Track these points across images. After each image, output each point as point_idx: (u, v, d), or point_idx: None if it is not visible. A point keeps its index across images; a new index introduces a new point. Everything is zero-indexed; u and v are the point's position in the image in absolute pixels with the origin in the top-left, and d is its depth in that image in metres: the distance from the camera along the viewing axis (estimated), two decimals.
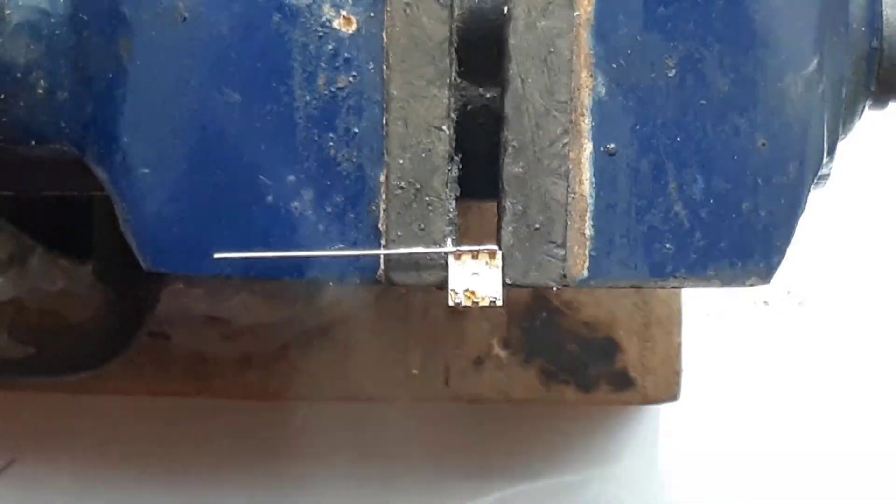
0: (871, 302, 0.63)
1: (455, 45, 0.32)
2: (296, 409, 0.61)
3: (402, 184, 0.32)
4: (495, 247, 0.33)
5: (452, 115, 0.32)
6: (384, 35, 0.32)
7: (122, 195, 0.33)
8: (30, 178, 0.38)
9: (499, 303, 0.33)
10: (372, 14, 0.32)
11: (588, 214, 0.33)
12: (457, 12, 0.32)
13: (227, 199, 0.33)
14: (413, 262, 0.33)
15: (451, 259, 0.32)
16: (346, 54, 0.32)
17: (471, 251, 0.33)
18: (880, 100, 0.37)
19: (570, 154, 0.33)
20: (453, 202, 0.33)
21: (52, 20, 0.33)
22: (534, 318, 0.56)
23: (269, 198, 0.33)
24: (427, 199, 0.32)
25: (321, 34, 0.32)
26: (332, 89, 0.32)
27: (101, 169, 0.33)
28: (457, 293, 0.33)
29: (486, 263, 0.33)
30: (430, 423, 0.62)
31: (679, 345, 0.56)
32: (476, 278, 0.33)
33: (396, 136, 0.32)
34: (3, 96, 0.33)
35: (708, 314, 0.63)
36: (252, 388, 0.56)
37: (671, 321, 0.56)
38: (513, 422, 0.62)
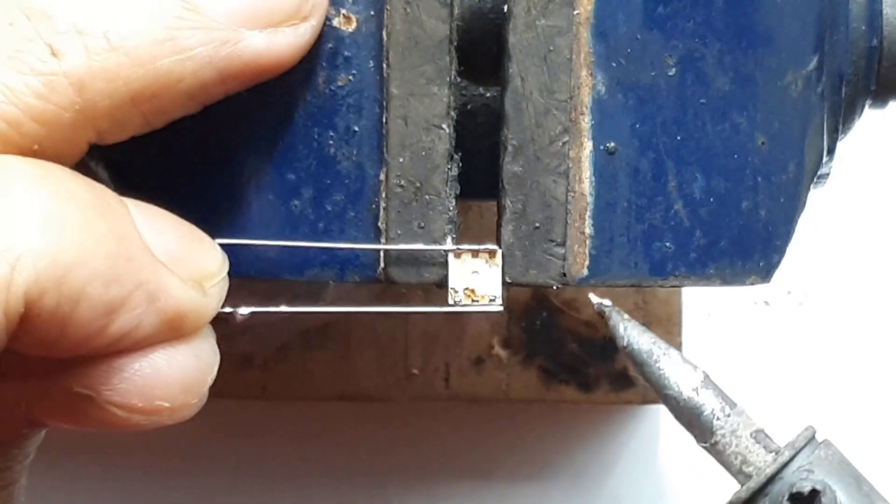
0: (872, 302, 0.63)
1: (455, 43, 0.32)
2: (296, 409, 0.61)
3: (402, 182, 0.32)
4: (495, 246, 0.33)
5: (452, 114, 0.32)
6: (384, 34, 0.32)
7: (121, 194, 0.33)
8: None
9: (499, 303, 0.33)
10: (372, 13, 0.32)
11: (588, 213, 0.33)
12: (457, 11, 0.32)
13: (227, 197, 0.33)
14: (412, 260, 0.33)
15: (450, 257, 0.32)
16: (345, 53, 0.32)
17: (471, 250, 0.33)
18: (880, 99, 0.37)
19: (570, 153, 0.33)
20: (453, 201, 0.33)
21: None
22: (534, 317, 0.56)
23: (269, 196, 0.33)
24: (427, 197, 0.32)
25: (321, 32, 0.32)
26: (332, 88, 0.32)
27: (101, 168, 0.33)
28: (456, 291, 0.33)
29: (486, 262, 0.33)
30: (430, 423, 0.62)
31: (679, 345, 0.56)
32: (476, 277, 0.33)
33: (396, 134, 0.32)
34: None
35: (708, 314, 0.63)
36: (252, 388, 0.56)
37: (671, 321, 0.56)
38: (513, 422, 0.62)
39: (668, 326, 0.56)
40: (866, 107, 0.37)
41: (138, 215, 0.29)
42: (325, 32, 0.32)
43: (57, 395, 0.30)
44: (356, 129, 0.32)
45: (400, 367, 0.56)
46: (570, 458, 0.62)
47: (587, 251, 0.33)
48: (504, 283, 0.33)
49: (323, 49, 0.32)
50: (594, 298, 0.32)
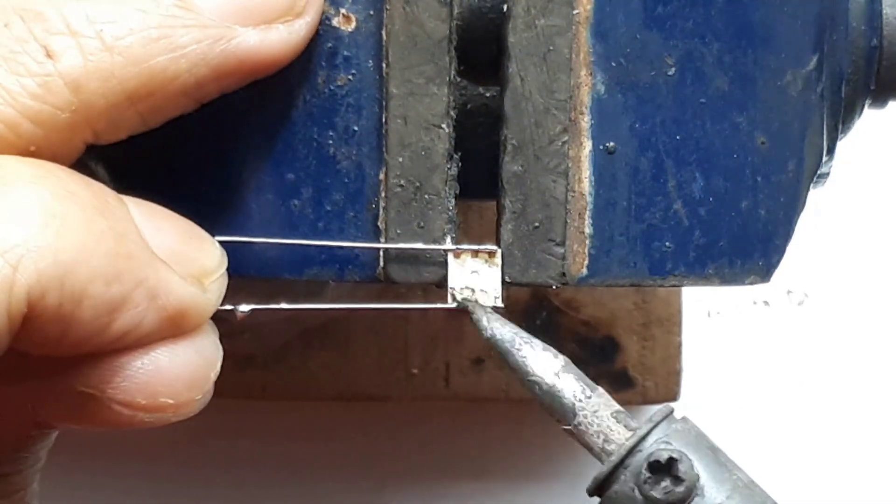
0: (872, 302, 0.63)
1: (454, 43, 0.32)
2: (296, 409, 0.61)
3: (402, 182, 0.32)
4: (495, 246, 0.33)
5: (452, 114, 0.32)
6: (383, 33, 0.32)
7: (120, 193, 0.33)
8: None
9: (499, 303, 0.33)
10: (371, 12, 0.32)
11: (587, 213, 0.33)
12: (456, 10, 0.32)
13: (227, 196, 0.33)
14: (412, 259, 0.33)
15: (450, 257, 0.32)
16: (345, 52, 0.32)
17: (470, 250, 0.33)
18: (880, 98, 0.37)
19: (570, 152, 0.33)
20: (453, 200, 0.33)
21: None
22: (534, 317, 0.56)
23: (269, 195, 0.33)
24: (426, 197, 0.32)
25: (320, 32, 0.32)
26: (332, 87, 0.32)
27: (100, 167, 0.33)
28: (455, 291, 0.33)
29: (486, 262, 0.33)
30: (430, 423, 0.62)
31: (679, 344, 0.56)
32: (475, 277, 0.33)
33: (396, 134, 0.32)
34: None
35: (708, 314, 0.63)
36: (252, 388, 0.56)
37: (671, 321, 0.56)
38: (513, 422, 0.62)
39: (668, 326, 0.56)
40: (866, 106, 0.37)
41: (137, 213, 0.29)
42: (325, 32, 0.32)
43: (62, 396, 0.30)
44: (356, 128, 0.32)
45: (400, 367, 0.56)
46: (570, 458, 0.62)
47: (586, 251, 0.33)
48: (504, 282, 0.33)
49: (322, 48, 0.32)
50: (457, 295, 0.33)
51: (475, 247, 0.33)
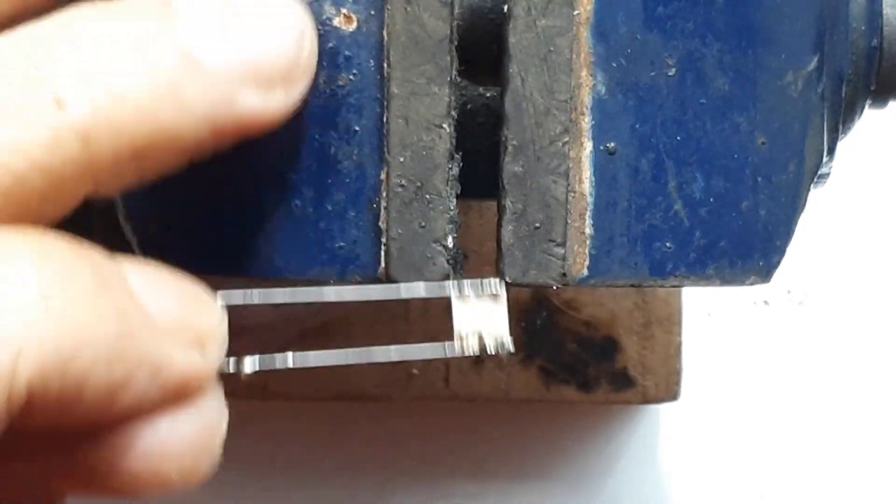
0: (872, 302, 0.63)
1: (455, 43, 0.32)
2: (296, 409, 0.61)
3: (403, 182, 0.32)
4: (498, 286, 0.33)
5: (453, 114, 0.32)
6: (384, 33, 0.32)
7: (122, 195, 0.33)
8: None
9: (510, 347, 0.33)
10: (372, 12, 0.32)
11: (588, 213, 0.33)
12: (457, 10, 0.32)
13: (228, 197, 0.33)
14: (413, 259, 0.33)
15: (453, 297, 0.32)
16: (346, 52, 0.32)
17: (473, 289, 0.33)
18: (880, 99, 0.37)
19: (570, 153, 0.33)
20: (454, 200, 0.33)
21: None
22: (534, 317, 0.56)
23: (270, 195, 0.33)
24: (428, 196, 0.32)
25: (321, 32, 0.32)
26: (333, 87, 0.32)
27: None
28: (463, 338, 0.33)
29: (492, 300, 0.33)
30: (430, 423, 0.62)
31: (679, 344, 0.56)
32: (481, 318, 0.33)
33: (397, 134, 0.32)
34: None
35: (708, 314, 0.63)
36: (252, 388, 0.56)
37: (671, 321, 0.56)
38: (513, 422, 0.62)
39: (668, 326, 0.56)
40: (866, 107, 0.37)
41: (136, 278, 0.28)
42: (326, 32, 0.32)
43: (69, 469, 0.29)
44: (357, 128, 0.32)
45: (400, 367, 0.56)
46: (569, 458, 0.62)
47: (587, 251, 0.33)
48: (505, 283, 0.33)
49: (324, 49, 0.32)
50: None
51: (478, 283, 0.33)
